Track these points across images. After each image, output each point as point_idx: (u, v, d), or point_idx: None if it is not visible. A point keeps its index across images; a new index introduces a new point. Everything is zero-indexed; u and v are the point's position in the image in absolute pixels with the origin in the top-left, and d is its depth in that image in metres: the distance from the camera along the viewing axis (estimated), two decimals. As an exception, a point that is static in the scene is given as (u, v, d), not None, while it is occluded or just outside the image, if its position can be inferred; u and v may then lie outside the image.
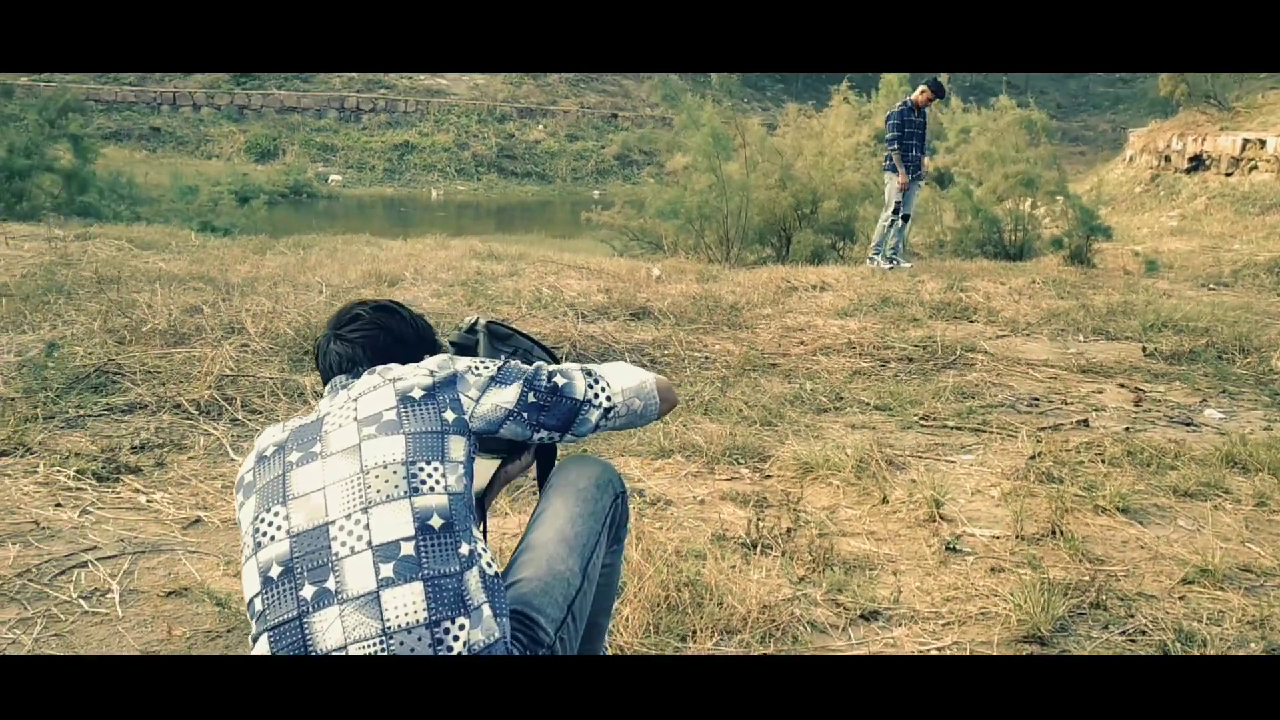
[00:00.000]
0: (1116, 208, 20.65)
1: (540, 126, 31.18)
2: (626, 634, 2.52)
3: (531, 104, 32.19)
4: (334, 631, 1.57)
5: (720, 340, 6.52)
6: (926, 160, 10.78)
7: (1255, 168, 19.05)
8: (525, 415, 1.84)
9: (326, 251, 9.81)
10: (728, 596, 2.71)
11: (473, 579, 1.64)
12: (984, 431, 4.62)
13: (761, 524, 3.28)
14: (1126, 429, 4.72)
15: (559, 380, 1.88)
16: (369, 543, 1.62)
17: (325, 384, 1.93)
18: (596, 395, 1.90)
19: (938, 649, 2.61)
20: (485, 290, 7.68)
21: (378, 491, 1.65)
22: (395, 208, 25.02)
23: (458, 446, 1.75)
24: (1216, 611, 2.81)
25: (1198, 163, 21.16)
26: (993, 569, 3.09)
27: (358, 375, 1.86)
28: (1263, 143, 18.86)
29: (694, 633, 2.58)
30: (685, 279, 9.09)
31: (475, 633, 1.60)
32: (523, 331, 4.27)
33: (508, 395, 1.83)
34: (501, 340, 4.53)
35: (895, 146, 10.13)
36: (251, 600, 1.66)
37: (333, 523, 1.64)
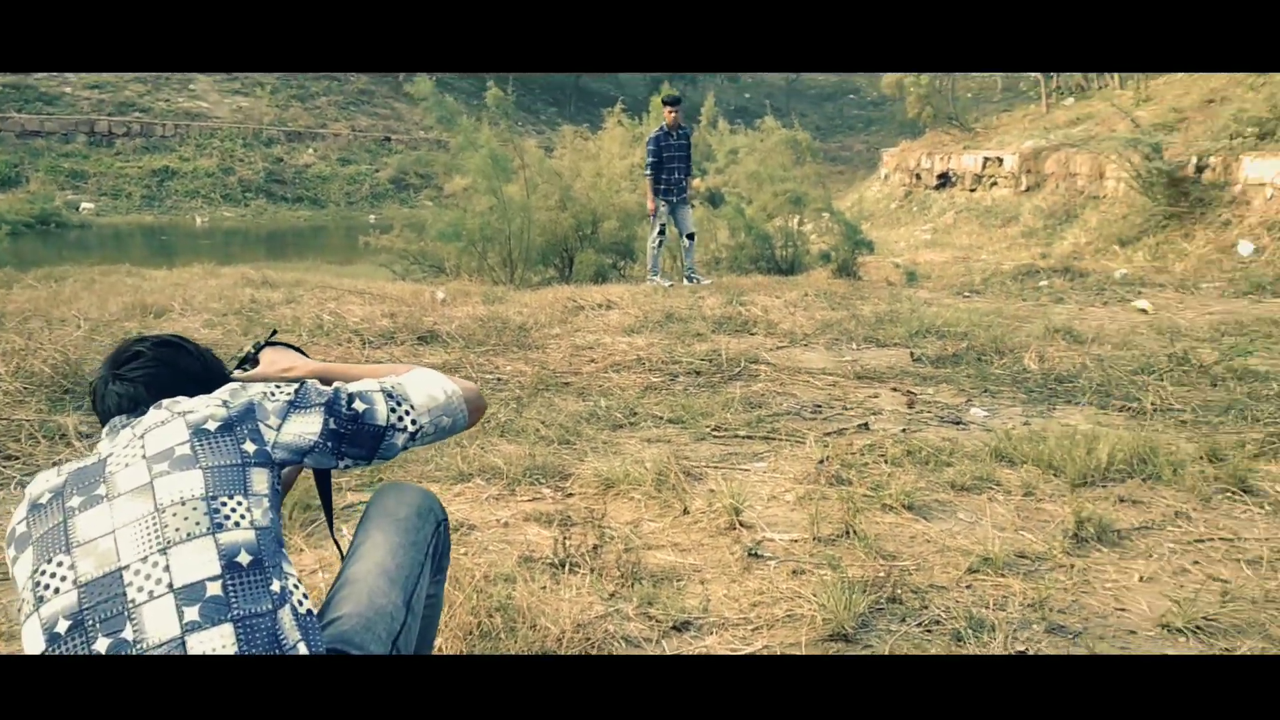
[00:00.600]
0: (875, 223, 21.84)
1: (310, 150, 30.28)
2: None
3: (300, 127, 31.23)
4: None
5: (511, 361, 6.48)
6: (697, 181, 11.15)
7: (995, 183, 20.55)
8: (329, 445, 1.74)
9: (82, 283, 9.20)
10: (540, 618, 2.69)
11: (286, 617, 1.54)
12: (774, 439, 4.77)
13: (568, 543, 3.27)
14: (903, 430, 4.97)
15: (359, 406, 1.77)
16: (169, 585, 1.49)
17: (104, 425, 1.77)
18: (400, 419, 1.81)
19: (749, 654, 2.66)
20: (261, 319, 7.37)
21: (176, 530, 1.53)
22: (156, 236, 23.72)
23: (260, 479, 1.64)
24: (1000, 597, 3.00)
25: (945, 180, 22.65)
26: (794, 572, 3.19)
27: (141, 413, 1.72)
28: (1000, 160, 20.36)
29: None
30: (471, 301, 9.01)
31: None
32: (305, 352, 4.12)
33: (310, 423, 1.72)
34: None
35: (649, 173, 10.49)
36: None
37: (126, 567, 1.51)
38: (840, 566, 3.12)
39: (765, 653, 2.67)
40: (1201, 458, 4.36)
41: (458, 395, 1.88)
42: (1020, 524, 3.64)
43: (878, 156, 30.79)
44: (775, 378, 6.19)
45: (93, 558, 1.53)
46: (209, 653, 1.47)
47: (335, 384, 1.82)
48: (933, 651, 2.67)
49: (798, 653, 2.66)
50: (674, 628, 2.79)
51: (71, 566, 1.52)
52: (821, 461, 4.25)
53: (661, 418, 5.13)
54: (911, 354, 6.96)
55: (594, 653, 2.59)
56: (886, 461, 4.31)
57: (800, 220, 13.45)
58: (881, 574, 3.12)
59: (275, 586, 1.56)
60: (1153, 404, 5.54)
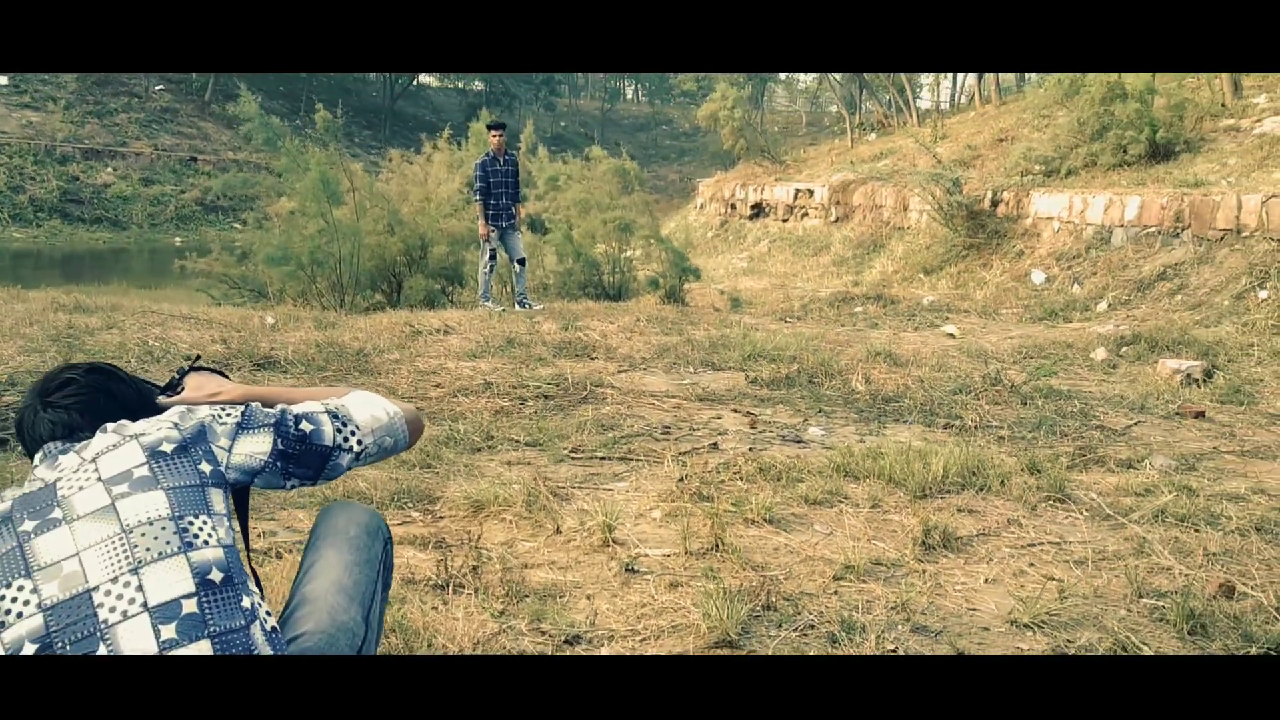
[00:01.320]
0: (694, 251, 22.39)
1: (109, 169, 28.82)
2: (345, 685, 2.46)
3: (98, 144, 29.69)
4: None
5: (353, 387, 6.40)
6: (521, 207, 11.27)
7: (806, 214, 21.44)
8: (278, 465, 1.79)
9: None
10: (437, 637, 2.73)
11: (257, 633, 1.58)
12: (631, 459, 4.91)
13: (450, 563, 3.31)
14: (750, 449, 5.20)
15: (306, 427, 1.83)
16: (144, 604, 1.51)
17: (32, 454, 1.76)
18: (346, 439, 1.87)
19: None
20: (82, 345, 7.05)
21: (147, 550, 1.54)
22: (-65, 258, 22.11)
23: (218, 499, 1.68)
24: (865, 601, 3.21)
25: (759, 210, 23.47)
26: (671, 584, 3.32)
27: (78, 439, 1.72)
28: (811, 192, 21.26)
29: (411, 676, 2.57)
30: (303, 326, 8.83)
31: None
32: (229, 375, 4.02)
33: (259, 444, 1.77)
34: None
35: (478, 198, 10.56)
36: None
37: (96, 589, 1.51)
38: (717, 577, 3.27)
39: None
40: (1023, 470, 4.73)
41: (399, 416, 1.95)
42: (872, 534, 3.88)
43: (692, 186, 31.61)
44: (622, 400, 6.34)
45: (56, 580, 1.52)
46: None
47: (279, 405, 1.85)
48: (811, 653, 2.84)
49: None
50: (566, 641, 2.87)
51: (34, 590, 1.51)
52: (681, 480, 4.41)
53: (518, 440, 5.20)
54: (746, 376, 7.25)
55: (495, 668, 2.64)
56: (741, 479, 4.51)
57: (623, 248, 13.72)
58: (754, 583, 3.29)
59: (245, 603, 1.59)
60: (973, 421, 5.96)
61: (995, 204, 14.57)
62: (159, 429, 1.70)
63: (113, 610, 1.50)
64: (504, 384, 6.55)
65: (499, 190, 10.61)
